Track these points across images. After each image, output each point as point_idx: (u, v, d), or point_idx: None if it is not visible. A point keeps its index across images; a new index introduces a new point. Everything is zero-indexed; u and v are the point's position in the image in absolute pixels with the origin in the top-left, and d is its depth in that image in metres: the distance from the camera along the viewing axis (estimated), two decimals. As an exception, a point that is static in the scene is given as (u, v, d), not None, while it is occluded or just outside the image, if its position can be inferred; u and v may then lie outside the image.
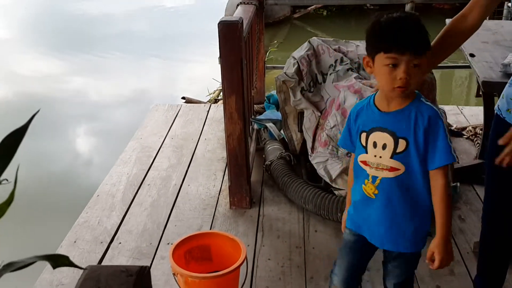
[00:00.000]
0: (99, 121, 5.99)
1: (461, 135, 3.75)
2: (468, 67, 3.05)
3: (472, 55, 2.94)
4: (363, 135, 1.57)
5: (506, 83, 2.56)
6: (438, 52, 1.79)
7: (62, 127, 5.79)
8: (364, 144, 1.57)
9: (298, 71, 2.96)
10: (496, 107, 1.89)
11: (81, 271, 2.37)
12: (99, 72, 8.04)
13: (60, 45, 9.38)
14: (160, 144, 3.66)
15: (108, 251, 2.54)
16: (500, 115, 1.86)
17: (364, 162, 1.58)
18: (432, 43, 1.78)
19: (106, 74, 7.98)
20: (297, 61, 2.96)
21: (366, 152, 1.57)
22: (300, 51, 3.04)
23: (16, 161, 0.60)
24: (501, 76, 2.60)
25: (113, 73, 8.02)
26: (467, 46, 3.06)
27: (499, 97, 2.76)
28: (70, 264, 0.72)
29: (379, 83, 1.49)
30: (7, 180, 0.68)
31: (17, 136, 0.62)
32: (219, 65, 2.67)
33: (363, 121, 1.59)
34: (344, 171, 2.80)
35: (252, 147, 3.17)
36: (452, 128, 3.77)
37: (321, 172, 2.86)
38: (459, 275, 2.38)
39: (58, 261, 0.70)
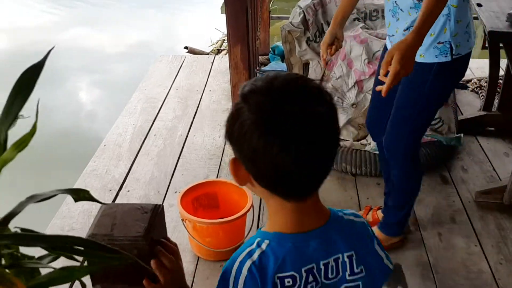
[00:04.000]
0: (100, 73, 5.95)
1: (466, 88, 3.74)
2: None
3: (479, 5, 2.90)
4: None
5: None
6: None
7: (63, 78, 5.77)
8: None
9: (304, 21, 2.93)
10: None
11: (91, 218, 2.43)
12: (96, 23, 7.91)
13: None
14: (165, 95, 3.67)
15: (117, 199, 2.60)
16: None
17: None
18: None
19: (103, 24, 7.86)
20: (303, 11, 2.93)
21: None
22: (306, 0, 3.00)
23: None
24: (507, 26, 2.57)
25: (111, 23, 7.90)
26: (475, -5, 3.01)
27: (505, 49, 2.74)
28: (91, 198, 0.75)
29: None
30: (22, 115, 0.70)
31: (34, 71, 0.64)
32: (221, 14, 2.65)
33: None
34: (349, 122, 2.81)
35: (257, 98, 3.17)
36: (458, 80, 3.76)
37: (326, 122, 2.87)
38: (461, 223, 2.44)
39: (80, 194, 0.73)
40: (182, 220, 2.17)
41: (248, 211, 2.16)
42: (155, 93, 3.69)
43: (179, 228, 2.32)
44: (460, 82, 3.77)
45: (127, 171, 2.82)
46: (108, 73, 5.95)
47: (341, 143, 2.83)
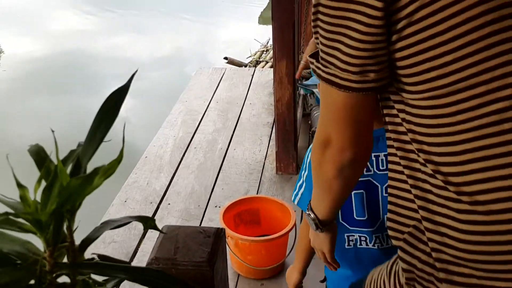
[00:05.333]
0: (138, 80, 5.97)
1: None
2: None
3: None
4: None
5: None
6: None
7: (100, 84, 5.84)
8: None
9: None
10: None
11: (131, 230, 2.41)
12: (135, 31, 8.04)
13: (96, 2, 9.39)
14: (206, 107, 3.67)
15: (158, 211, 2.59)
16: None
17: None
18: None
19: (141, 31, 7.97)
20: (350, 26, 2.89)
21: None
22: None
23: (120, 120, 0.60)
24: None
25: (150, 32, 8.01)
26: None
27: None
28: (155, 227, 0.73)
29: None
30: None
31: (119, 95, 0.62)
32: (259, 25, 2.64)
33: None
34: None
35: (299, 113, 3.14)
36: None
37: (370, 140, 2.82)
38: None
39: (147, 222, 0.71)
40: (225, 236, 2.15)
41: (291, 229, 2.12)
42: (195, 105, 3.70)
43: (220, 244, 2.29)
44: None
45: (167, 183, 2.81)
46: (145, 81, 6.00)
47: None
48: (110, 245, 2.35)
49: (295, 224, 2.14)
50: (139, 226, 2.53)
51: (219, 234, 0.97)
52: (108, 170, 0.51)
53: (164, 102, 4.35)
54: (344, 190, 0.95)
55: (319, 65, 0.79)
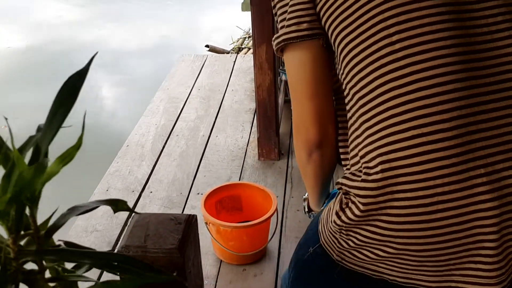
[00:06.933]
0: (120, 69, 5.95)
1: None
2: None
3: None
4: None
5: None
6: None
7: (88, 76, 5.76)
8: None
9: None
10: None
11: (113, 218, 2.41)
12: (117, 19, 7.94)
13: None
14: (187, 95, 3.66)
15: (140, 200, 2.59)
16: None
17: None
18: None
19: (124, 21, 7.88)
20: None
21: None
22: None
23: (81, 105, 0.60)
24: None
25: (132, 21, 7.92)
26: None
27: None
28: (128, 208, 0.73)
29: None
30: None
31: (77, 79, 0.62)
32: (242, 12, 2.64)
33: None
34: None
35: (280, 99, 3.14)
36: None
37: (350, 125, 2.84)
38: None
39: (118, 205, 0.71)
40: (206, 223, 2.16)
41: (272, 214, 2.14)
42: (177, 93, 3.69)
43: (201, 231, 2.29)
44: None
45: (149, 172, 2.81)
46: (128, 70, 5.95)
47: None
48: (92, 234, 2.35)
49: (276, 210, 2.16)
50: (121, 215, 2.53)
51: (190, 220, 0.98)
52: (67, 157, 0.51)
53: (146, 90, 4.32)
54: (316, 175, 0.97)
55: (275, 42, 0.96)
